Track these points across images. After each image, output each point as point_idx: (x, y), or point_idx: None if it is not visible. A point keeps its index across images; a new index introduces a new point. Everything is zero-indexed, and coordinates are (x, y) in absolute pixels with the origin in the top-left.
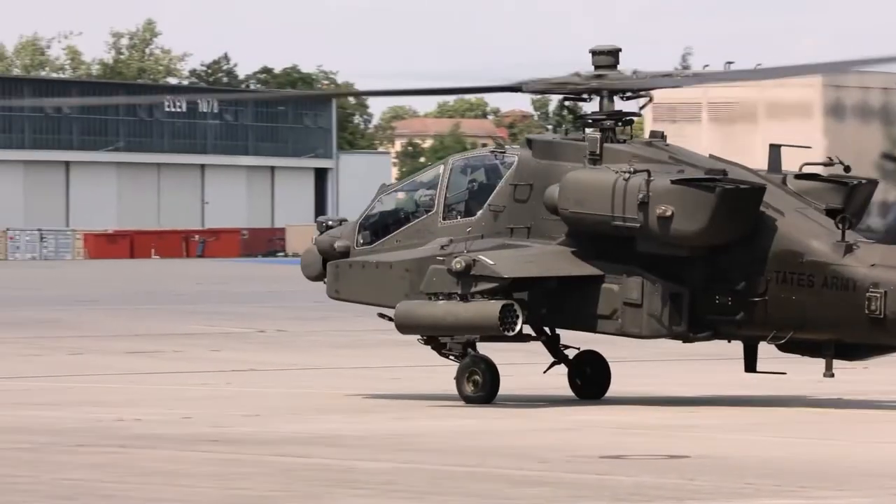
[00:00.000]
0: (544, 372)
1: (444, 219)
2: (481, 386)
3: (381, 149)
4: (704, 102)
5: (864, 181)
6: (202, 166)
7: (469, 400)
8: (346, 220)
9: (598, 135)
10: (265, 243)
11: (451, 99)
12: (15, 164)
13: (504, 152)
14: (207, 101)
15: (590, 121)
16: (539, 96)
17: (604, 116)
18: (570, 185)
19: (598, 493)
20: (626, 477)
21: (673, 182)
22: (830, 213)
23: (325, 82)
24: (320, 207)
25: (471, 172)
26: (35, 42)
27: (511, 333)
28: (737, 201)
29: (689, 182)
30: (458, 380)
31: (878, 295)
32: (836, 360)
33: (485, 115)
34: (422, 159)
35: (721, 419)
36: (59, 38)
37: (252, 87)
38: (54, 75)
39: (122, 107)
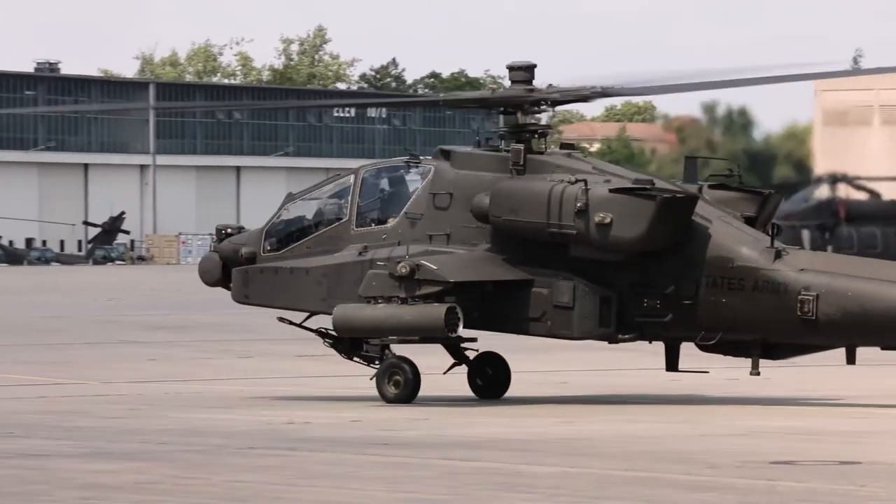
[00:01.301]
0: (444, 373)
1: (357, 226)
2: (403, 386)
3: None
4: (876, 105)
5: (773, 192)
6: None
7: (390, 400)
8: (244, 228)
9: (521, 146)
10: None
11: (618, 103)
12: (187, 169)
13: (419, 162)
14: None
15: (505, 133)
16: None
17: (522, 129)
18: (503, 193)
19: (768, 499)
20: (797, 483)
21: (611, 191)
22: (745, 221)
23: (493, 86)
24: None
25: (382, 181)
26: (207, 49)
27: (454, 335)
28: (673, 209)
29: (628, 191)
30: (379, 381)
31: (811, 297)
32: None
33: (653, 119)
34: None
35: (894, 425)
36: (230, 44)
37: (420, 91)
38: (226, 81)
39: (291, 112)
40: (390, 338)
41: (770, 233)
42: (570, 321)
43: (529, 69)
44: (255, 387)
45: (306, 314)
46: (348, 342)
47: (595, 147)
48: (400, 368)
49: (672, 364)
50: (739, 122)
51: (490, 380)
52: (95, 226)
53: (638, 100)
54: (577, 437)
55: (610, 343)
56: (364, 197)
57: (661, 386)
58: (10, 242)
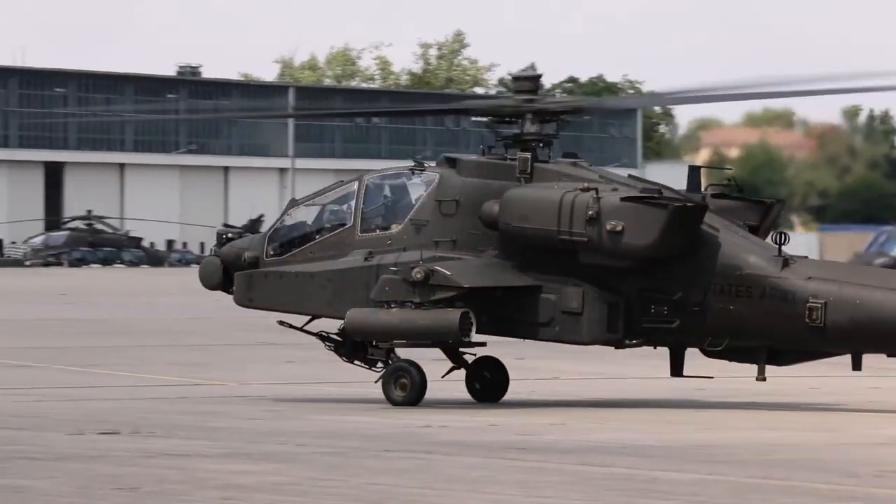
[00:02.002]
0: (443, 376)
1: (362, 232)
2: (410, 389)
3: (685, 159)
4: None
5: (776, 201)
6: None
7: (396, 403)
8: (244, 232)
9: (528, 154)
10: None
11: (758, 108)
12: (326, 172)
13: (423, 169)
14: None
15: (512, 142)
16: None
17: (531, 137)
18: (514, 201)
19: None
20: None
21: (623, 199)
22: (748, 230)
23: (631, 91)
24: None
25: (386, 188)
26: (346, 52)
27: (467, 339)
28: (684, 218)
29: (640, 200)
30: (385, 384)
31: (819, 305)
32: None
33: (791, 126)
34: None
35: None
36: (369, 48)
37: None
38: (364, 85)
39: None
40: (399, 341)
41: (777, 241)
42: (579, 326)
43: (534, 79)
44: None
45: (308, 318)
46: (350, 346)
47: (734, 153)
48: (406, 371)
49: (677, 369)
50: (881, 128)
51: (488, 384)
52: (235, 228)
53: (777, 105)
54: (714, 444)
55: (616, 348)
56: (368, 203)
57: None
58: (152, 244)
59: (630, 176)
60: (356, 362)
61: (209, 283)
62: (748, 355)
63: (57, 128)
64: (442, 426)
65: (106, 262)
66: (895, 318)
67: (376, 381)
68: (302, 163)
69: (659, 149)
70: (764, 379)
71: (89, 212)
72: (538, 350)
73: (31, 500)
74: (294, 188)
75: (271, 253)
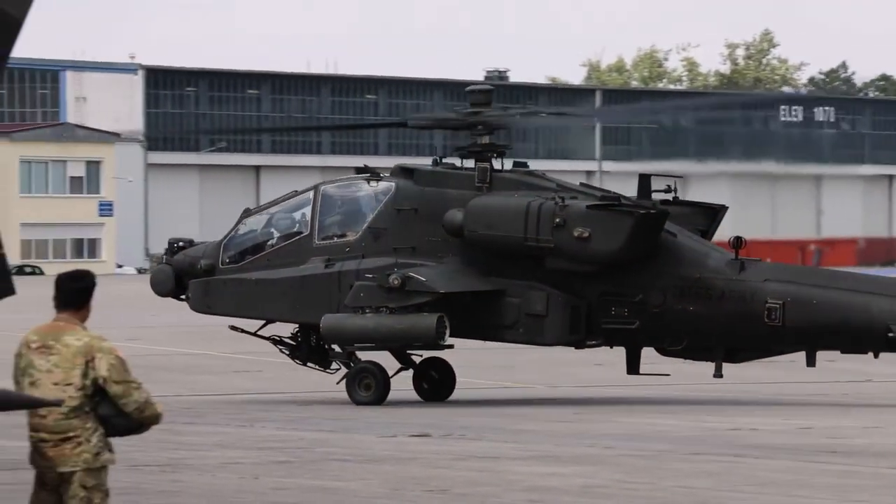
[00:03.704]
0: (391, 376)
1: (320, 239)
2: (374, 389)
3: None
4: None
5: (723, 206)
6: (818, 176)
7: (361, 403)
8: (193, 242)
9: (486, 164)
10: (883, 253)
11: None
12: (632, 175)
13: (380, 178)
14: (824, 110)
15: (467, 152)
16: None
17: (482, 148)
18: (479, 209)
19: None
20: None
21: (588, 207)
22: (700, 234)
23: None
24: None
25: (342, 197)
26: (653, 54)
27: (443, 342)
28: (648, 224)
29: (606, 207)
30: (349, 385)
31: (777, 306)
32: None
33: None
34: None
35: None
36: (676, 49)
37: (871, 94)
38: (671, 87)
39: (738, 117)
40: (369, 345)
41: (735, 245)
42: (543, 328)
43: (487, 93)
44: (714, 392)
45: (262, 323)
46: (304, 349)
47: None
48: (370, 372)
49: (633, 367)
50: None
51: (435, 383)
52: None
53: None
54: None
55: (576, 348)
56: (325, 212)
57: None
58: None
59: (581, 184)
60: (310, 365)
61: (161, 290)
62: (705, 354)
63: (367, 135)
64: (752, 429)
65: None
66: (850, 317)
67: (338, 383)
68: (609, 166)
69: None
70: (721, 376)
71: None
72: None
73: (343, 501)
74: None
75: (227, 261)
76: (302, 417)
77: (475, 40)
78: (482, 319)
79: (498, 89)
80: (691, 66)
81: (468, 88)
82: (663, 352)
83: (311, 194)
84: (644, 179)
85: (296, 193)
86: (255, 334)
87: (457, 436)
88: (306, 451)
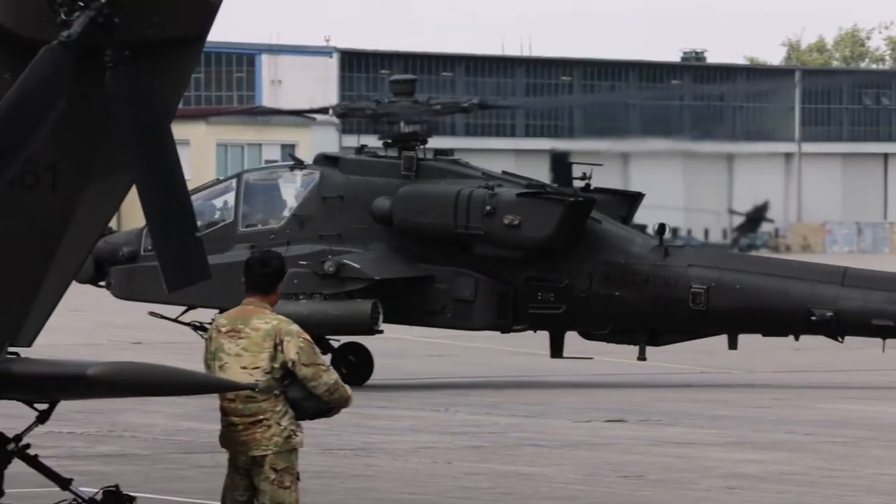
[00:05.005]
0: None
1: (244, 227)
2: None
3: None
4: None
5: (639, 193)
6: None
7: None
8: (113, 230)
9: (412, 153)
10: None
11: None
12: (833, 157)
13: (304, 167)
14: None
15: (391, 141)
16: None
17: (408, 136)
18: (409, 197)
19: None
20: None
21: (518, 195)
22: (621, 221)
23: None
24: None
25: (266, 185)
26: (855, 33)
27: (377, 328)
28: (576, 212)
29: (535, 195)
30: None
31: (702, 290)
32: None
33: None
34: None
35: None
36: (879, 28)
37: None
38: (874, 67)
39: None
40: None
41: (658, 232)
42: (471, 313)
43: (410, 83)
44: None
45: (183, 309)
46: None
47: None
48: None
49: (557, 351)
50: None
51: (353, 367)
52: (740, 214)
53: None
54: None
55: (503, 333)
56: (248, 199)
57: None
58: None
59: (504, 172)
60: None
61: (81, 277)
62: (628, 337)
63: (562, 115)
64: None
65: None
66: (772, 301)
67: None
68: (808, 147)
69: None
70: (644, 359)
71: None
72: None
73: (537, 486)
74: (800, 173)
75: (149, 248)
76: (496, 402)
77: (672, 20)
78: (412, 305)
79: (695, 70)
80: (894, 45)
81: (392, 79)
82: (588, 335)
83: (233, 182)
84: (564, 167)
85: (217, 182)
86: (175, 320)
87: (653, 421)
88: (500, 436)
